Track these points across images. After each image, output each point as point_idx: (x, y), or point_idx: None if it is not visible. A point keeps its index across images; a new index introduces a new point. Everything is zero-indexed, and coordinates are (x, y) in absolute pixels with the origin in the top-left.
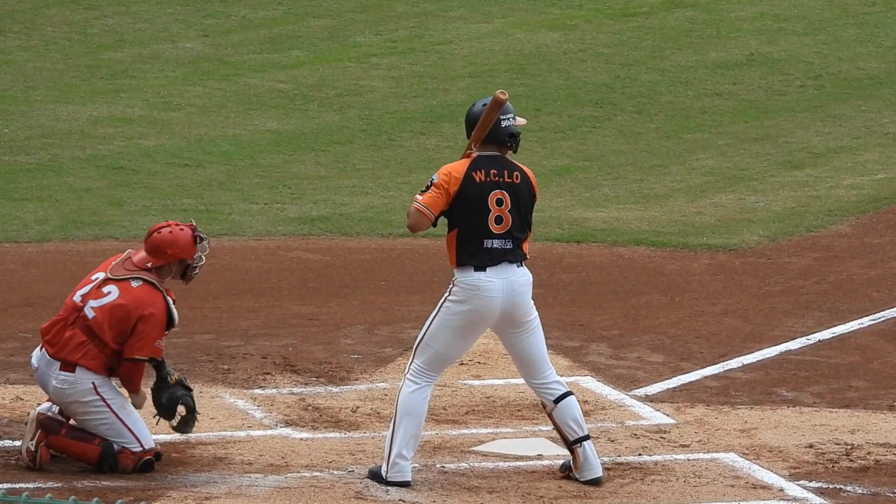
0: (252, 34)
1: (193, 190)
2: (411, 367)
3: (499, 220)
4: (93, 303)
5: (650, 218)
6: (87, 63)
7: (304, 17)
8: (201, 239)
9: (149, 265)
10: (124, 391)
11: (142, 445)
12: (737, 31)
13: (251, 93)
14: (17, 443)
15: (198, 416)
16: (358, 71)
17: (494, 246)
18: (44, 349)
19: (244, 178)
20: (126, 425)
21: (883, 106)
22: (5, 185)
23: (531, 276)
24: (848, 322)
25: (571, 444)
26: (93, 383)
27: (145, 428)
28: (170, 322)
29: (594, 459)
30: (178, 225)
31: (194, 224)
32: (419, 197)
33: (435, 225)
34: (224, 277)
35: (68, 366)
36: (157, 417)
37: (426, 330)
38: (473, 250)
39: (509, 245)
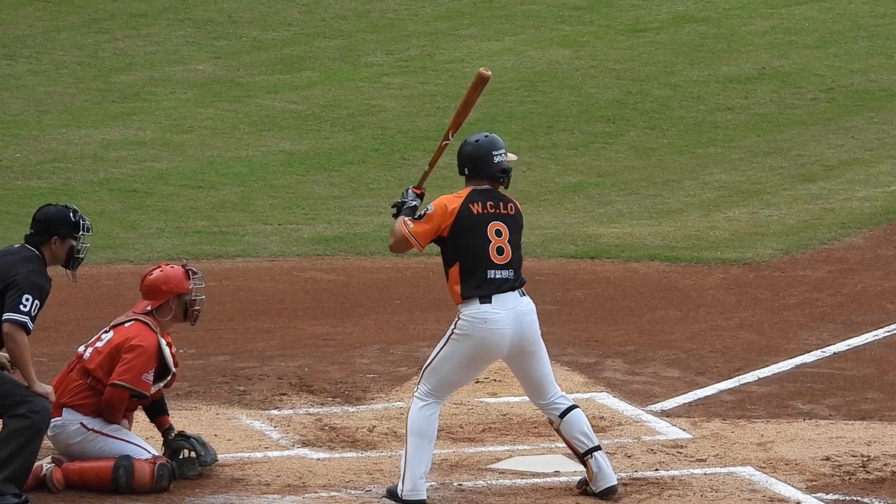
0: (263, 55)
1: (207, 212)
2: (419, 387)
3: (500, 250)
4: (91, 347)
5: (664, 233)
6: (99, 87)
7: (315, 37)
8: (194, 273)
9: (148, 308)
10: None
11: (150, 453)
12: (748, 46)
13: (263, 114)
14: None
15: (198, 462)
16: (370, 91)
17: (498, 276)
18: None
19: (258, 199)
20: (127, 441)
21: (895, 117)
22: (18, 209)
23: (533, 303)
24: (863, 334)
25: (583, 457)
26: (80, 423)
27: (147, 443)
28: (163, 366)
29: (608, 469)
30: (167, 264)
31: (185, 262)
32: (411, 224)
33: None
34: (239, 299)
35: (57, 410)
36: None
37: (434, 357)
38: (478, 282)
39: (511, 275)
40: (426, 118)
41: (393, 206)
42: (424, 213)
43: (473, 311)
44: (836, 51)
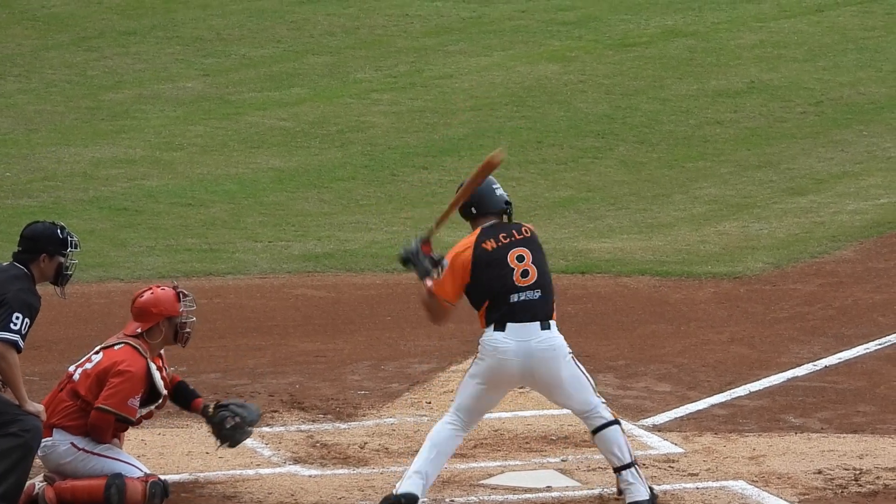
0: (252, 72)
1: (197, 229)
2: (451, 406)
3: (525, 273)
4: (81, 368)
5: (654, 247)
6: (88, 105)
7: (303, 54)
8: (184, 295)
9: (138, 331)
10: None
11: (142, 471)
12: (737, 59)
13: (253, 131)
14: None
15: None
16: (359, 107)
17: (522, 298)
18: None
19: (248, 216)
20: (118, 460)
21: (884, 130)
22: (8, 228)
23: (560, 339)
24: (854, 347)
25: (616, 470)
26: (71, 443)
27: (138, 461)
28: (153, 390)
29: (637, 486)
30: (159, 286)
31: (176, 284)
32: (432, 286)
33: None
34: (229, 316)
35: (47, 430)
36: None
37: (463, 378)
38: (500, 309)
39: (538, 294)
40: (415, 134)
41: (404, 262)
42: (442, 267)
43: (487, 336)
44: (825, 64)
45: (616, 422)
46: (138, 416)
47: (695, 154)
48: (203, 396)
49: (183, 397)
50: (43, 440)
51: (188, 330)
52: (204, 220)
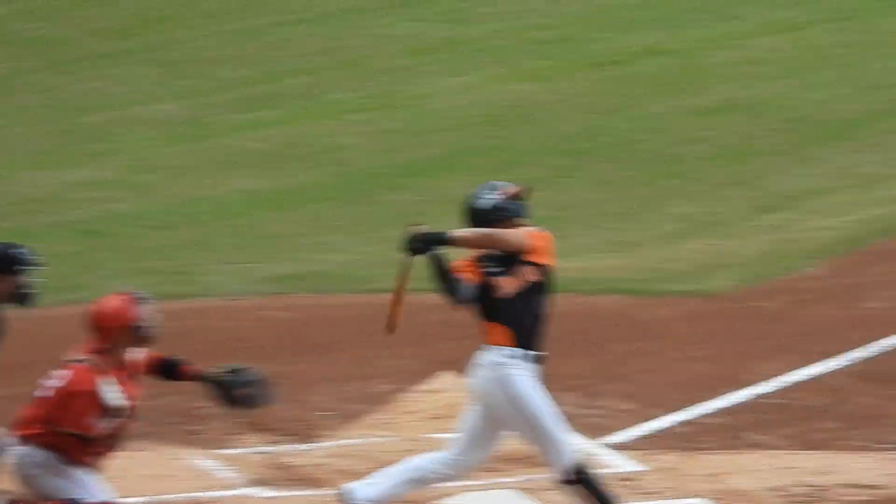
0: (227, 95)
1: (167, 252)
2: None
3: None
4: (45, 382)
5: (623, 266)
6: (63, 128)
7: (278, 75)
8: (141, 299)
9: (99, 345)
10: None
11: (100, 499)
12: (712, 77)
13: (227, 153)
14: None
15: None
16: (333, 128)
17: None
18: None
19: (219, 238)
20: (80, 482)
21: (858, 147)
22: None
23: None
24: (821, 363)
25: None
26: (39, 456)
27: (102, 486)
28: (108, 406)
29: None
30: (112, 296)
31: (132, 291)
32: None
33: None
34: (196, 338)
35: (22, 440)
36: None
37: None
38: None
39: None
40: (390, 154)
41: None
42: None
43: None
44: (800, 81)
45: (568, 482)
46: (98, 431)
47: (668, 172)
48: (190, 363)
49: (166, 371)
50: (17, 448)
51: (151, 332)
52: (174, 243)
